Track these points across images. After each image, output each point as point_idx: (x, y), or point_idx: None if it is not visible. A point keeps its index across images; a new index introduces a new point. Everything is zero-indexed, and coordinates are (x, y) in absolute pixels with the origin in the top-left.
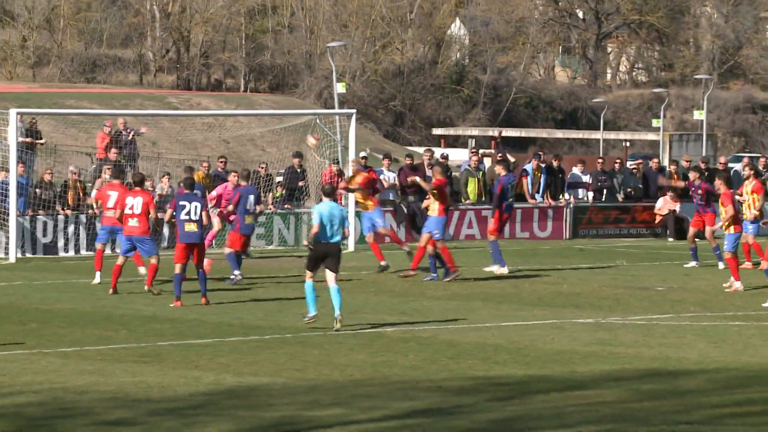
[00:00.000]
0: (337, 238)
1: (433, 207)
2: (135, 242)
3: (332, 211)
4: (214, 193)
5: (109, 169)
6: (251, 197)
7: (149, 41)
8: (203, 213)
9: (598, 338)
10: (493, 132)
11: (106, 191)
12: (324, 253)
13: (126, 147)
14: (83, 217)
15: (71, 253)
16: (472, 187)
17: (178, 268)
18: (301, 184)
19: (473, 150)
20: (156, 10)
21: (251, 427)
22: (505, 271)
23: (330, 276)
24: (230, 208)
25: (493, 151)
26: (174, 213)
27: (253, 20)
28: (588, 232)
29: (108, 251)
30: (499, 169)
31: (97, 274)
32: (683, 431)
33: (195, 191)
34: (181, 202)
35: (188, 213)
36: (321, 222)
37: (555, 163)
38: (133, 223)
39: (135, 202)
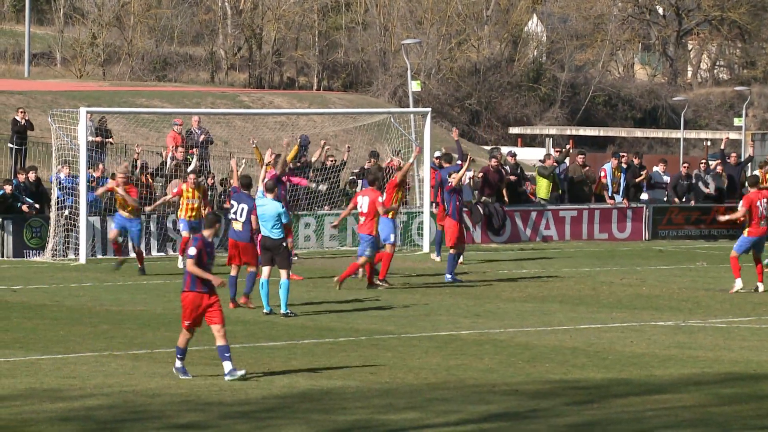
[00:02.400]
0: (273, 234)
1: None
2: (362, 240)
3: (265, 208)
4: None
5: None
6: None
7: (221, 39)
8: (252, 216)
9: (678, 341)
10: (453, 133)
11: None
12: (265, 247)
13: (199, 147)
14: (155, 218)
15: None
16: (544, 185)
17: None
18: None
19: (557, 149)
20: (227, 7)
21: (325, 430)
22: (437, 259)
23: (281, 271)
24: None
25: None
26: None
27: (327, 17)
28: (668, 233)
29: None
30: (440, 162)
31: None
32: None
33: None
34: (232, 201)
35: (235, 213)
36: (257, 218)
37: (636, 161)
38: (360, 221)
39: (363, 201)
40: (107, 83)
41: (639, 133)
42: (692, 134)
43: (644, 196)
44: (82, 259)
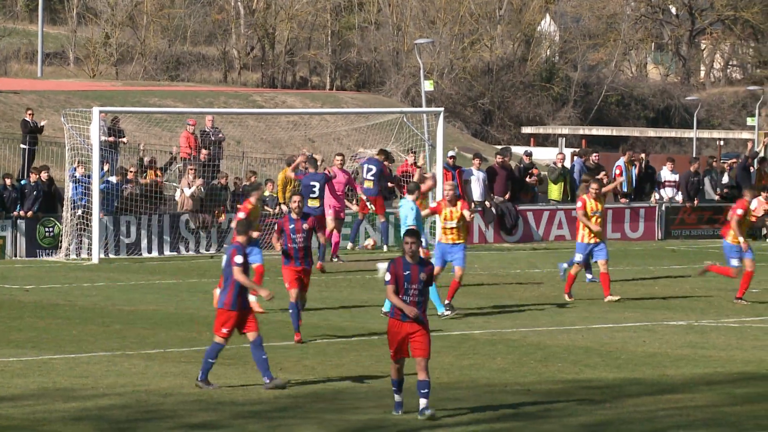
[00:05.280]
0: None
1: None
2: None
3: (404, 210)
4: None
5: (192, 169)
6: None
7: (234, 38)
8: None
9: (690, 341)
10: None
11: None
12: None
13: (212, 147)
14: (167, 218)
15: (155, 253)
16: (555, 188)
17: None
18: (390, 185)
19: (580, 152)
20: (240, 7)
21: (337, 430)
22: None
23: None
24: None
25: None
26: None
27: (339, 17)
28: (681, 233)
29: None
30: (365, 154)
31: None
32: None
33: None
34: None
35: None
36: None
37: (642, 158)
38: None
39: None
40: (120, 83)
41: (652, 132)
42: (705, 134)
43: (659, 195)
44: (95, 258)
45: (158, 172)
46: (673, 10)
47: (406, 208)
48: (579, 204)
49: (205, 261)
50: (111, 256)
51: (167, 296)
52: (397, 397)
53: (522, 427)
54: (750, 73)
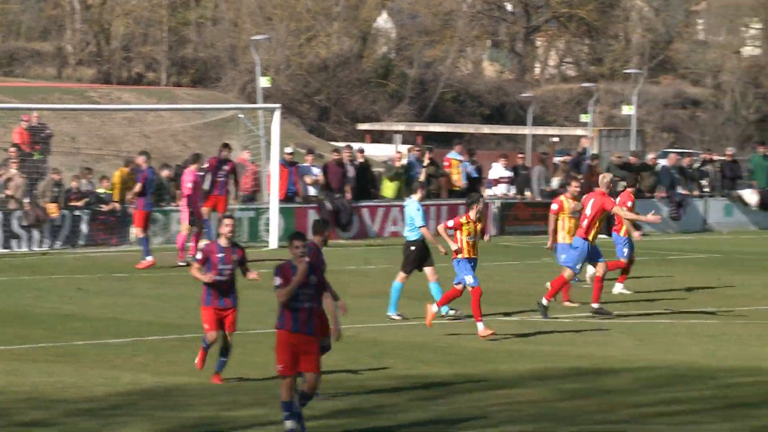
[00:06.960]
0: (409, 236)
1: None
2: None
3: (410, 210)
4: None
5: (15, 162)
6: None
7: (69, 34)
8: None
9: (523, 336)
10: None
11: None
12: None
13: (41, 143)
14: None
15: None
16: (392, 185)
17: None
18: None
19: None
20: (76, 2)
21: (170, 427)
22: (149, 260)
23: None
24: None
25: (418, 146)
26: None
27: (176, 12)
28: (515, 229)
29: None
30: (141, 161)
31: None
32: (607, 431)
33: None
34: None
35: None
36: None
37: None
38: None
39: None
40: None
41: (487, 129)
42: (540, 130)
43: (491, 192)
44: None
45: None
46: (509, 7)
47: (412, 209)
48: (627, 202)
49: (37, 258)
50: None
51: None
52: (288, 424)
53: (355, 423)
54: (584, 71)
